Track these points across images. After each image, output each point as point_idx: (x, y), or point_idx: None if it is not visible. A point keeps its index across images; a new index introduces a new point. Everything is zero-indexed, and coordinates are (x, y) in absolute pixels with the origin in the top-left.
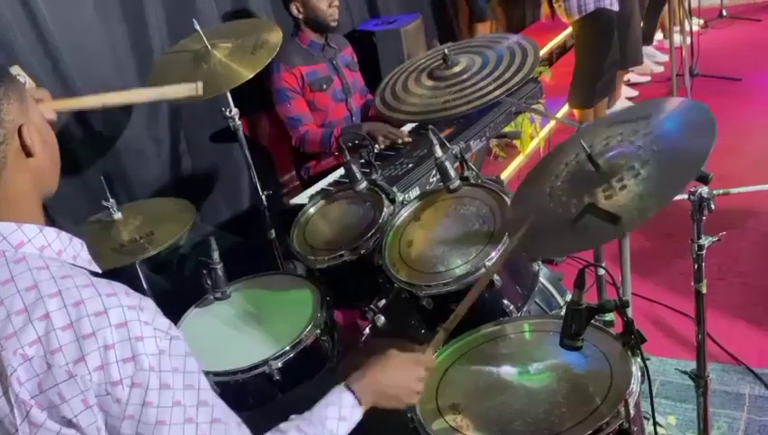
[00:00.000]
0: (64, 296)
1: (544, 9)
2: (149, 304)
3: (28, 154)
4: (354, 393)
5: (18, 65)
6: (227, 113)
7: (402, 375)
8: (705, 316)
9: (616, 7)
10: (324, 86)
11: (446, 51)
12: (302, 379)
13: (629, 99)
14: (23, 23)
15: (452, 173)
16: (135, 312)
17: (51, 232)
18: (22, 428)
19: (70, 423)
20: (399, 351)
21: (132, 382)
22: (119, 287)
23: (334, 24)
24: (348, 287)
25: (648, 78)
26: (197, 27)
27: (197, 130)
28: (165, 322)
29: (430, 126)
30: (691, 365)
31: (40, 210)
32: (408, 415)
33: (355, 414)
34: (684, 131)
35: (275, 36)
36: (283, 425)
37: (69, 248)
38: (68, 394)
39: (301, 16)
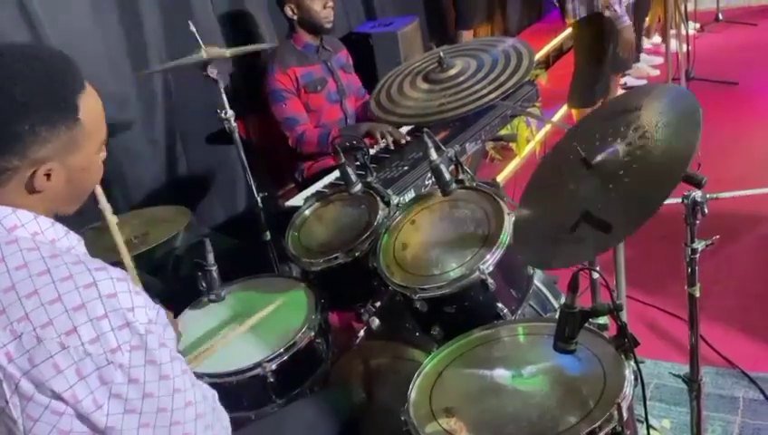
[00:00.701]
0: (53, 273)
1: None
2: None
3: (30, 191)
4: None
5: None
6: (223, 115)
7: None
8: (698, 320)
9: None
10: (319, 87)
11: (441, 54)
12: (296, 381)
13: None
14: (20, 25)
15: (447, 176)
16: (125, 283)
17: (46, 221)
18: (12, 400)
19: (60, 398)
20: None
21: (131, 347)
22: (108, 265)
23: (329, 25)
24: (343, 289)
25: (645, 81)
26: (193, 28)
27: (193, 132)
28: (146, 295)
29: (425, 129)
30: (686, 369)
31: (44, 213)
32: (402, 418)
33: None
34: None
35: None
36: None
37: (63, 239)
38: (63, 365)
39: (295, 18)
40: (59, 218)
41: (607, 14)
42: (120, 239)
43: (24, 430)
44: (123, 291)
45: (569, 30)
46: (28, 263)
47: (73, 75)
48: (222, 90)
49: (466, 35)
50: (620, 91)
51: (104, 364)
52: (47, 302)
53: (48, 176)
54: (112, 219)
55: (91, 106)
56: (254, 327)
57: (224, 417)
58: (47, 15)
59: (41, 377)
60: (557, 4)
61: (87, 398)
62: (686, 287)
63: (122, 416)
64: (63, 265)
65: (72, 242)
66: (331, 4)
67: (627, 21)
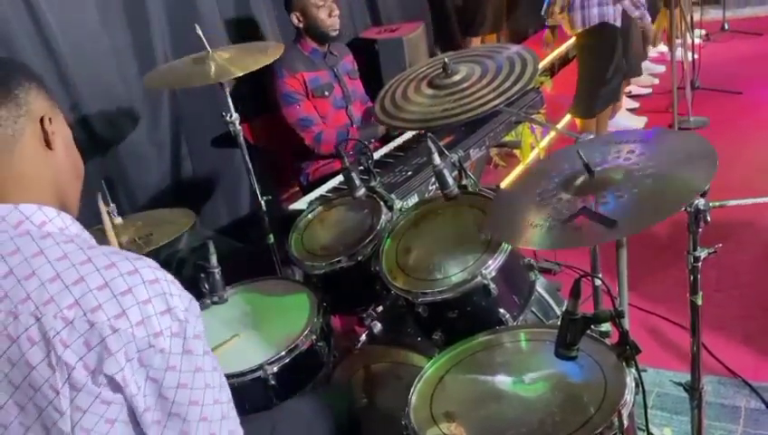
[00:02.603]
0: (95, 262)
1: (547, 37)
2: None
3: (47, 144)
4: None
5: None
6: (228, 118)
7: None
8: (699, 328)
9: (619, 23)
10: (326, 93)
11: (445, 60)
12: (297, 384)
13: (630, 110)
14: (28, 27)
15: (450, 181)
16: (162, 272)
17: (67, 217)
18: (63, 391)
19: (112, 381)
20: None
21: (172, 332)
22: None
23: (335, 33)
24: (345, 293)
25: (650, 90)
26: (199, 31)
27: (198, 135)
28: (180, 285)
29: (429, 134)
30: (688, 377)
31: (57, 204)
32: (403, 422)
33: None
34: (682, 158)
35: (276, 51)
36: None
37: (83, 234)
38: (114, 347)
39: (301, 26)
40: None
41: (636, 14)
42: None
43: (71, 422)
44: (163, 278)
45: (573, 39)
46: (68, 254)
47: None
48: (227, 93)
49: (473, 42)
50: (625, 99)
51: (145, 347)
52: (95, 288)
53: (52, 132)
54: (110, 229)
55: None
56: (256, 330)
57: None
58: (55, 18)
59: (95, 360)
60: (560, 17)
61: (131, 380)
62: (688, 295)
63: (156, 399)
64: (103, 255)
65: (88, 237)
66: (336, 12)
67: (648, 18)
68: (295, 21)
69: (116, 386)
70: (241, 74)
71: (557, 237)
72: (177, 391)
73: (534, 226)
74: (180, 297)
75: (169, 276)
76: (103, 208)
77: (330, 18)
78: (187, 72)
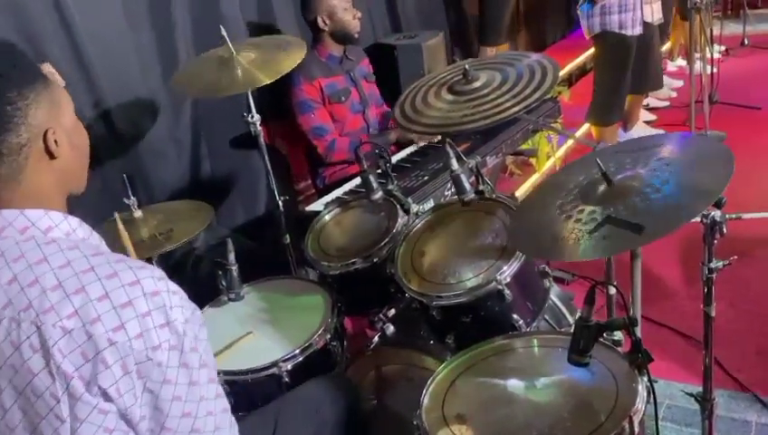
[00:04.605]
0: (97, 271)
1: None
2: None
3: (51, 157)
4: None
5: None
6: (249, 118)
7: None
8: (712, 339)
9: (629, 31)
10: (343, 98)
11: (466, 66)
12: None
13: (647, 123)
14: (56, 29)
15: (467, 186)
16: (164, 282)
17: (74, 220)
18: (63, 398)
19: (105, 394)
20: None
21: (170, 345)
22: (146, 263)
23: (357, 35)
24: (359, 295)
25: (668, 103)
26: (224, 33)
27: (219, 135)
28: (183, 295)
29: (447, 139)
30: (699, 390)
31: (64, 206)
32: (414, 422)
33: None
34: (698, 160)
35: (299, 47)
36: None
37: (91, 238)
38: (110, 360)
39: (326, 29)
40: (83, 217)
41: None
42: (129, 245)
43: (70, 429)
44: (164, 290)
45: (592, 49)
46: (71, 261)
47: (21, 50)
48: (249, 93)
49: (490, 52)
50: (643, 112)
51: (144, 360)
52: (95, 298)
53: (56, 142)
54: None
55: (47, 69)
56: (271, 327)
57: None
58: (82, 17)
59: (91, 372)
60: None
61: (129, 392)
62: (701, 306)
63: (152, 410)
64: (107, 264)
65: (96, 240)
66: (359, 15)
67: None
68: (321, 23)
69: (109, 398)
70: (269, 81)
71: (585, 249)
72: (172, 404)
73: (560, 239)
74: (182, 309)
75: (173, 287)
76: (120, 225)
77: (354, 20)
78: (214, 81)
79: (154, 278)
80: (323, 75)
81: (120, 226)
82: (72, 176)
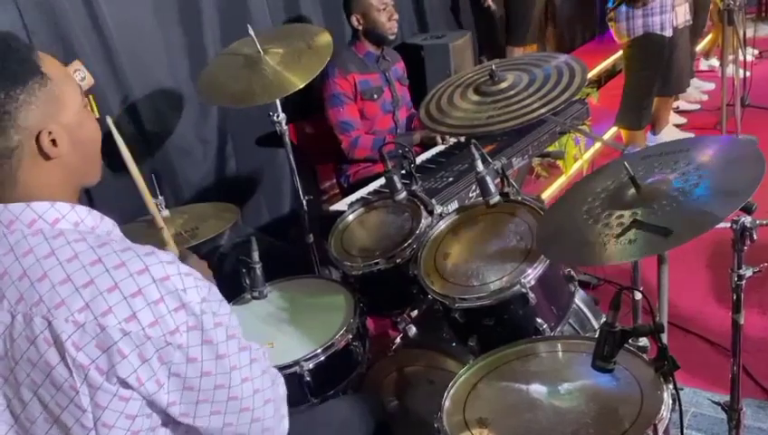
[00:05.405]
0: (105, 262)
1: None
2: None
3: (46, 158)
4: None
5: (78, 61)
6: (275, 118)
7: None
8: (740, 347)
9: (668, 33)
10: (375, 96)
11: (493, 66)
12: (331, 382)
13: (677, 126)
14: (85, 23)
15: (492, 188)
16: (174, 266)
17: (82, 210)
18: (82, 389)
19: (125, 383)
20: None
21: (188, 327)
22: (155, 248)
23: (392, 36)
24: (381, 295)
25: (698, 106)
26: (251, 32)
27: (244, 134)
28: (197, 274)
29: (473, 140)
30: (726, 399)
31: (74, 198)
32: (435, 425)
33: None
34: (728, 163)
35: (325, 40)
36: None
37: (101, 226)
38: (126, 350)
39: (360, 28)
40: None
41: None
42: (167, 235)
43: (93, 418)
44: (174, 273)
45: (621, 51)
46: (78, 254)
47: (19, 41)
48: None
49: (515, 52)
50: (673, 115)
51: (163, 346)
52: (105, 290)
53: (54, 142)
54: (158, 216)
55: (50, 61)
56: (293, 326)
57: (281, 388)
58: (112, 15)
59: (108, 363)
60: (609, 25)
61: (150, 380)
62: (730, 313)
63: (181, 392)
64: (114, 254)
65: (108, 226)
66: (396, 16)
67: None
68: (355, 22)
69: (129, 386)
70: (302, 85)
71: (611, 252)
72: (202, 380)
73: (587, 243)
74: (197, 289)
75: (184, 268)
76: (155, 210)
77: (389, 21)
78: (244, 90)
79: (163, 263)
80: (359, 71)
81: (157, 214)
82: (78, 171)
